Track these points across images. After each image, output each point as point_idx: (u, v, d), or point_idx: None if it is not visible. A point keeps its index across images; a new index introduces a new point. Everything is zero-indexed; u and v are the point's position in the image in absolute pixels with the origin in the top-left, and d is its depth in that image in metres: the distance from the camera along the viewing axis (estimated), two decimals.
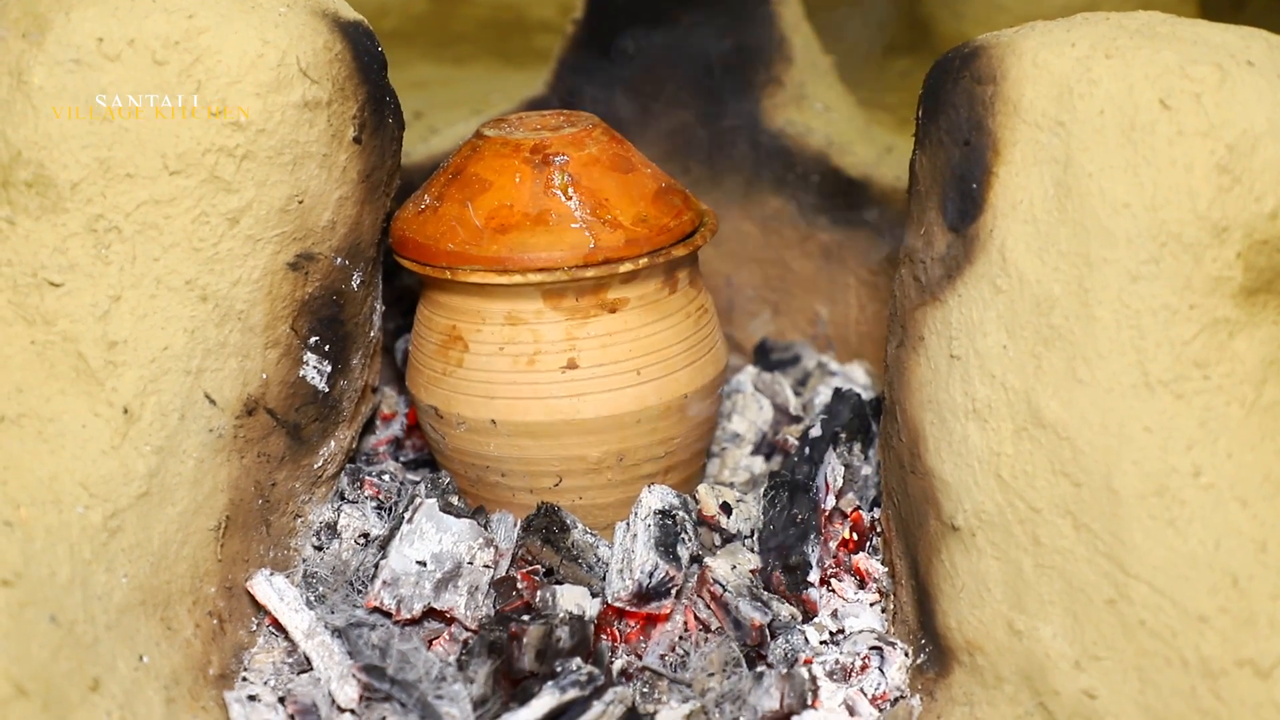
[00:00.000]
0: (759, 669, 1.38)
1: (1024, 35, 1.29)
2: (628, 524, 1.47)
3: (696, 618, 1.45)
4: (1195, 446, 1.19)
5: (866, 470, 1.59)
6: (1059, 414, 1.23)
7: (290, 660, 1.40)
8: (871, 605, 1.47)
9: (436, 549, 1.43)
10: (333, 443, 1.51)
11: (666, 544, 1.44)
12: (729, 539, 1.57)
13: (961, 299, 1.30)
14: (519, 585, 1.46)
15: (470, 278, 1.49)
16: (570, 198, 1.49)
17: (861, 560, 1.50)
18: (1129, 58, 1.23)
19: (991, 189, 1.28)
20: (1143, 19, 1.30)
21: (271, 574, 1.42)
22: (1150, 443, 1.19)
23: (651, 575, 1.42)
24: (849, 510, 1.53)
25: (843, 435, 1.60)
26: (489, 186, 1.51)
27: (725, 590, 1.43)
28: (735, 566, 1.48)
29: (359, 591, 1.46)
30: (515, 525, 1.54)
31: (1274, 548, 1.17)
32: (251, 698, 1.35)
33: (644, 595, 1.42)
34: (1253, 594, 1.15)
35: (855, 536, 1.52)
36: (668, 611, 1.44)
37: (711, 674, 1.39)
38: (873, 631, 1.42)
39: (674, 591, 1.43)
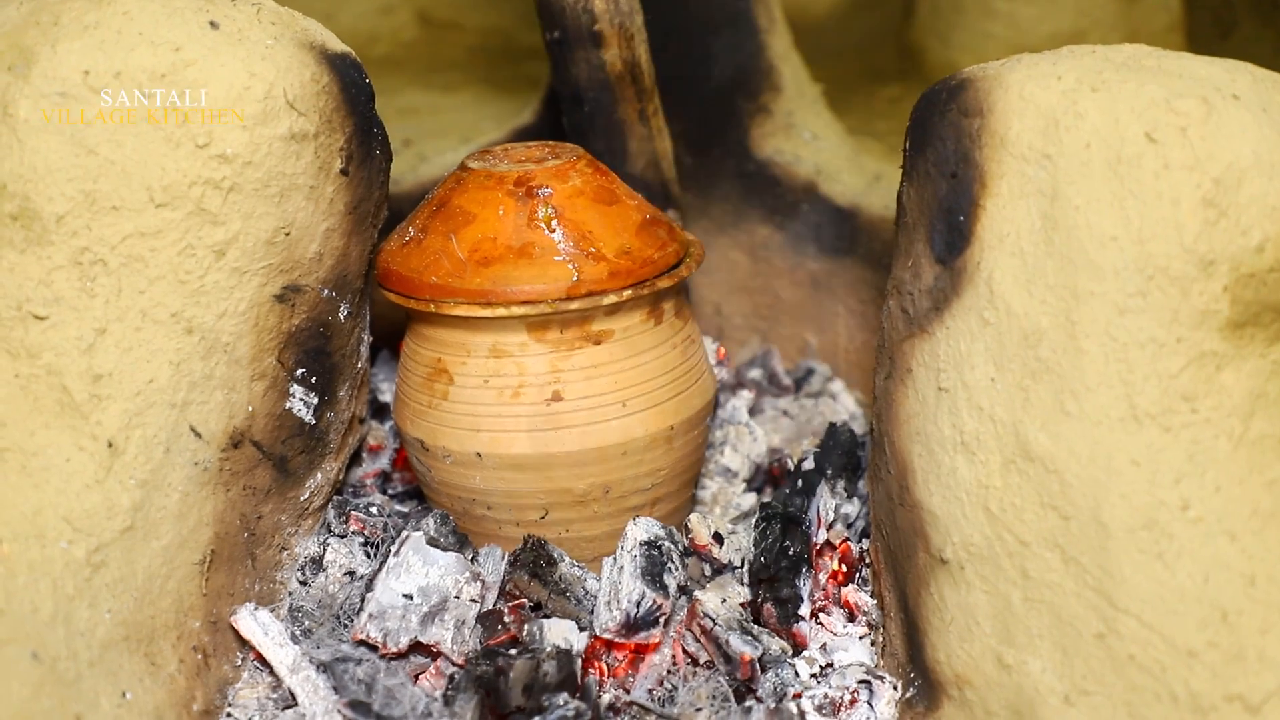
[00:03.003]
0: (748, 703, 1.37)
1: (1010, 68, 1.29)
2: (614, 558, 1.46)
3: (685, 651, 1.44)
4: (1183, 480, 1.19)
5: (853, 505, 1.58)
6: (1047, 447, 1.23)
7: (275, 696, 1.39)
8: (861, 638, 1.46)
9: (423, 582, 1.43)
10: (319, 475, 1.50)
11: (653, 573, 1.43)
12: (720, 570, 1.56)
13: (949, 331, 1.30)
14: (506, 619, 1.45)
15: (454, 311, 1.48)
16: (554, 230, 1.49)
17: (850, 593, 1.49)
18: (1115, 91, 1.23)
19: (979, 222, 1.28)
20: (1128, 52, 1.30)
21: (256, 608, 1.41)
22: (1138, 476, 1.19)
23: (639, 604, 1.41)
24: (837, 542, 1.52)
25: (829, 470, 1.60)
26: (473, 219, 1.50)
27: (715, 624, 1.42)
28: (725, 599, 1.47)
29: (345, 625, 1.45)
30: (502, 559, 1.53)
31: (1263, 582, 1.16)
32: None
33: (632, 625, 1.41)
34: (1242, 628, 1.15)
35: (844, 568, 1.51)
36: (656, 641, 1.43)
37: (699, 709, 1.38)
38: (862, 665, 1.41)
39: (662, 621, 1.42)
